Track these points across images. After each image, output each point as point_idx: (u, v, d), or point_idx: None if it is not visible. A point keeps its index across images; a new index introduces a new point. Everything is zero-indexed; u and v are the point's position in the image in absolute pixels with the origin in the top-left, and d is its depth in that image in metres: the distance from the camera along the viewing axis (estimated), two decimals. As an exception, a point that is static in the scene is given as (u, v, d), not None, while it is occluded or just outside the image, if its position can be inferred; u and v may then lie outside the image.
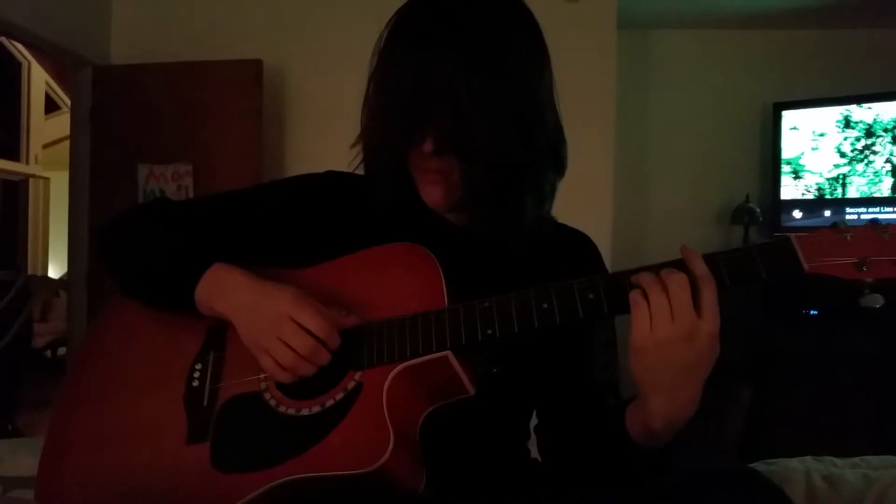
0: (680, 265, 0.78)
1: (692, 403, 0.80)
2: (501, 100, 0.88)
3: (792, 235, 0.77)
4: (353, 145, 1.01)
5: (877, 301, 0.76)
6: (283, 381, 0.88)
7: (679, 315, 0.74)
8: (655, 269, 0.78)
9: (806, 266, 0.76)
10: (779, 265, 0.77)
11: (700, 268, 0.76)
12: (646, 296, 0.76)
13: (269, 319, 0.86)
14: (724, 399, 3.18)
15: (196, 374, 0.95)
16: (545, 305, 0.81)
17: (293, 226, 1.02)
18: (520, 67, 0.91)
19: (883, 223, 0.77)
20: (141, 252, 0.99)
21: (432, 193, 0.95)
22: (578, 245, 1.08)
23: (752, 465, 1.41)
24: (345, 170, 1.08)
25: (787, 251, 0.76)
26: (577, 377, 1.00)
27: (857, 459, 1.56)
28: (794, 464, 1.50)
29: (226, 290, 0.91)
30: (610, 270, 0.91)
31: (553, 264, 0.99)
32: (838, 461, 1.55)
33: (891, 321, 2.86)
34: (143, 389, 0.97)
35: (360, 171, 1.05)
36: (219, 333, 0.97)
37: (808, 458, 1.54)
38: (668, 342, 0.75)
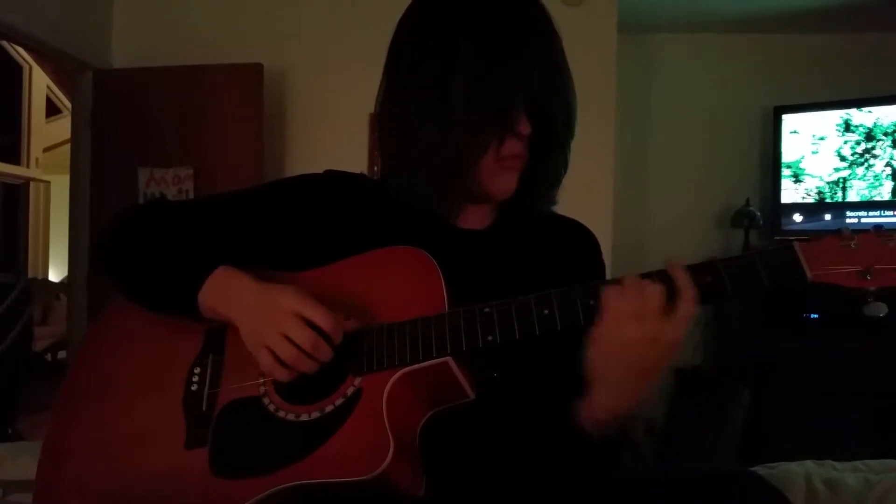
0: (665, 275, 0.78)
1: (640, 401, 0.82)
2: (573, 89, 0.97)
3: (795, 243, 0.76)
4: (405, 149, 0.98)
5: (880, 310, 0.75)
6: (280, 379, 0.88)
7: (647, 319, 0.76)
8: (649, 276, 0.79)
9: (809, 274, 0.75)
10: (781, 273, 0.76)
11: (682, 279, 0.77)
12: (621, 294, 0.77)
13: (272, 315, 0.86)
14: (724, 402, 3.18)
15: (195, 378, 0.95)
16: (546, 311, 0.81)
17: (292, 226, 1.02)
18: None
19: (888, 230, 0.76)
20: (141, 258, 0.99)
21: (508, 181, 0.97)
22: (577, 236, 1.10)
23: (752, 468, 1.41)
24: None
25: (790, 259, 0.76)
26: (574, 368, 1.00)
27: (857, 463, 1.56)
28: (795, 467, 1.49)
29: (230, 293, 0.91)
30: (610, 275, 0.91)
31: (555, 257, 1.01)
32: (839, 465, 1.55)
33: (892, 326, 2.86)
34: (141, 393, 0.97)
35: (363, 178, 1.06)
36: (217, 336, 0.97)
37: (809, 462, 1.54)
38: (631, 343, 0.77)
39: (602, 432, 0.87)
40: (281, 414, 0.87)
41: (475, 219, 1.03)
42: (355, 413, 0.83)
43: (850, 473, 1.49)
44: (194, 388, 0.94)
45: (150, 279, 0.97)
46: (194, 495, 0.86)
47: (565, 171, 1.02)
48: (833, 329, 3.06)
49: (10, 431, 3.73)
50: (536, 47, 0.92)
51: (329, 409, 0.85)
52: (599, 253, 1.09)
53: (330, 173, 1.08)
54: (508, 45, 0.91)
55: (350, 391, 0.85)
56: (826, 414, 3.02)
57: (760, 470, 1.43)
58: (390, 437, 0.78)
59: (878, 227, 0.77)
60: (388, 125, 1.00)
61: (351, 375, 0.87)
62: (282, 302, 0.86)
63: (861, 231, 0.77)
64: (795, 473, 1.45)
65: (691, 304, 0.76)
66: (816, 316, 3.16)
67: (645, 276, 0.79)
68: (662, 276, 0.78)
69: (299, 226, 1.02)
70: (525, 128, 0.92)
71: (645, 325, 0.76)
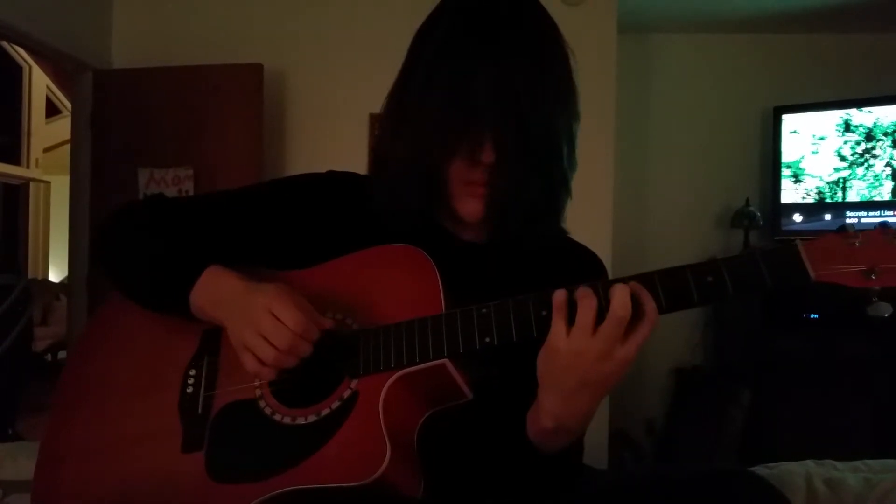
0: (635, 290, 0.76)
1: (587, 413, 0.81)
2: (558, 115, 0.90)
3: (798, 241, 0.74)
4: (376, 153, 0.98)
5: (885, 310, 0.73)
6: (266, 379, 0.87)
7: (601, 337, 0.74)
8: (629, 279, 0.78)
9: (813, 274, 0.73)
10: (784, 273, 0.74)
11: (649, 306, 0.75)
12: (574, 304, 0.75)
13: (251, 315, 0.85)
14: (724, 402, 3.18)
15: (190, 381, 0.94)
16: (544, 312, 0.79)
17: (292, 225, 1.01)
18: (569, 85, 0.93)
19: (893, 228, 0.74)
20: (137, 256, 0.98)
21: (472, 206, 0.93)
22: (582, 260, 1.07)
23: (752, 468, 1.41)
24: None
25: (793, 258, 0.74)
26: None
27: (857, 463, 1.56)
28: (795, 467, 1.49)
29: (218, 293, 0.90)
30: (610, 275, 0.91)
31: (554, 278, 1.00)
32: (839, 465, 1.54)
33: (892, 326, 2.86)
34: (137, 396, 0.96)
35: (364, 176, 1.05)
36: (212, 337, 0.96)
37: (809, 462, 1.54)
38: (581, 353, 0.75)
39: (548, 442, 0.86)
40: (277, 417, 0.87)
41: (474, 231, 1.02)
42: (352, 417, 0.82)
43: (850, 473, 1.48)
44: (190, 390, 0.93)
45: (146, 278, 0.97)
46: (191, 500, 0.85)
47: (552, 198, 0.95)
48: (833, 329, 3.05)
49: (10, 432, 3.73)
50: (486, 60, 0.86)
51: (325, 412, 0.84)
52: (606, 276, 1.05)
53: (332, 174, 1.07)
54: (455, 57, 0.88)
55: (346, 394, 0.85)
56: (826, 414, 3.02)
57: (760, 470, 1.43)
58: (387, 442, 0.78)
59: (883, 224, 0.74)
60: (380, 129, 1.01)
61: (347, 378, 0.86)
62: (258, 300, 0.85)
63: (865, 229, 0.74)
64: (795, 473, 1.45)
65: (649, 331, 0.75)
66: (816, 316, 3.16)
67: (623, 280, 0.77)
68: (636, 285, 0.76)
69: (299, 225, 1.01)
70: (486, 156, 0.87)
71: (597, 339, 0.74)
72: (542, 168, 0.91)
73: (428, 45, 0.92)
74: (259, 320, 0.84)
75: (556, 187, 0.95)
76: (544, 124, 0.88)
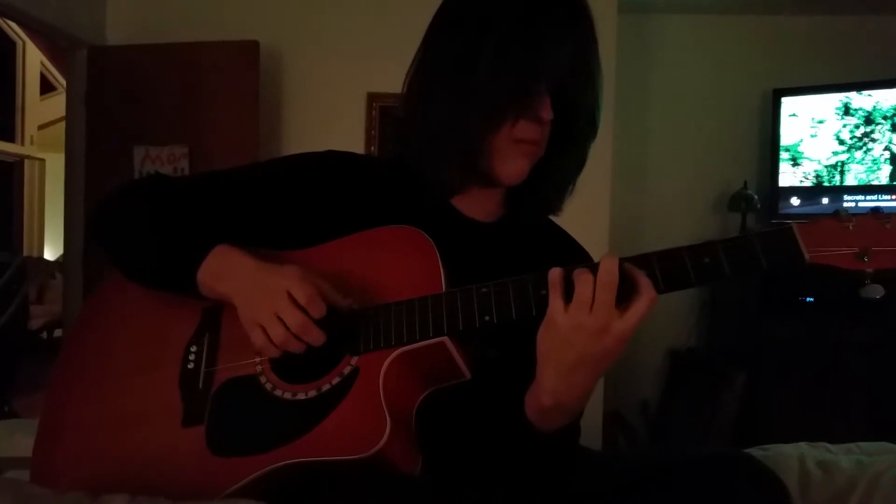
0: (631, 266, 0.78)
1: (585, 390, 0.82)
2: (600, 88, 1.00)
3: (793, 223, 0.76)
4: (420, 126, 0.99)
5: (877, 292, 0.76)
6: (271, 356, 0.88)
7: (597, 309, 0.75)
8: (636, 258, 0.79)
9: (807, 256, 0.75)
10: (780, 254, 0.76)
11: (645, 282, 0.77)
12: (570, 283, 0.77)
13: (268, 294, 0.86)
14: (718, 385, 3.20)
15: (191, 357, 0.94)
16: (543, 292, 0.80)
17: (293, 205, 1.01)
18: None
19: (885, 212, 0.76)
20: (140, 235, 0.98)
21: (519, 166, 0.97)
22: (574, 252, 1.10)
23: (746, 450, 1.41)
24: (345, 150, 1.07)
25: (788, 240, 0.76)
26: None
27: (851, 445, 1.57)
28: (789, 449, 1.50)
29: (228, 270, 0.91)
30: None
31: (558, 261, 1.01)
32: (832, 447, 1.55)
33: (886, 309, 2.87)
34: (137, 372, 0.97)
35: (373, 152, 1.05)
36: (214, 314, 0.96)
37: (803, 444, 1.55)
38: (580, 327, 0.76)
39: (546, 421, 0.86)
40: (278, 392, 0.87)
41: (482, 210, 1.03)
42: (352, 392, 0.83)
43: (843, 455, 1.49)
44: (191, 366, 0.94)
45: (149, 257, 0.97)
46: (191, 473, 0.86)
47: (580, 172, 1.03)
48: (828, 312, 3.06)
49: (6, 409, 3.74)
50: (567, 30, 0.93)
51: (325, 388, 0.85)
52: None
53: (331, 153, 1.07)
54: (539, 24, 0.91)
55: (347, 370, 0.85)
56: (821, 396, 3.04)
57: (754, 452, 1.44)
58: (387, 417, 0.79)
59: (875, 209, 0.77)
60: (411, 95, 1.01)
61: (348, 355, 0.87)
62: (277, 280, 0.86)
63: (858, 213, 0.77)
64: (789, 455, 1.46)
65: (649, 304, 0.76)
66: (812, 299, 3.17)
67: (630, 260, 0.78)
68: (630, 265, 0.77)
69: (300, 205, 1.01)
70: (547, 113, 0.92)
71: (594, 314, 0.76)
72: (591, 134, 1.01)
73: (503, 17, 0.93)
74: (276, 299, 0.85)
75: (586, 158, 1.03)
76: (597, 97, 1.00)
